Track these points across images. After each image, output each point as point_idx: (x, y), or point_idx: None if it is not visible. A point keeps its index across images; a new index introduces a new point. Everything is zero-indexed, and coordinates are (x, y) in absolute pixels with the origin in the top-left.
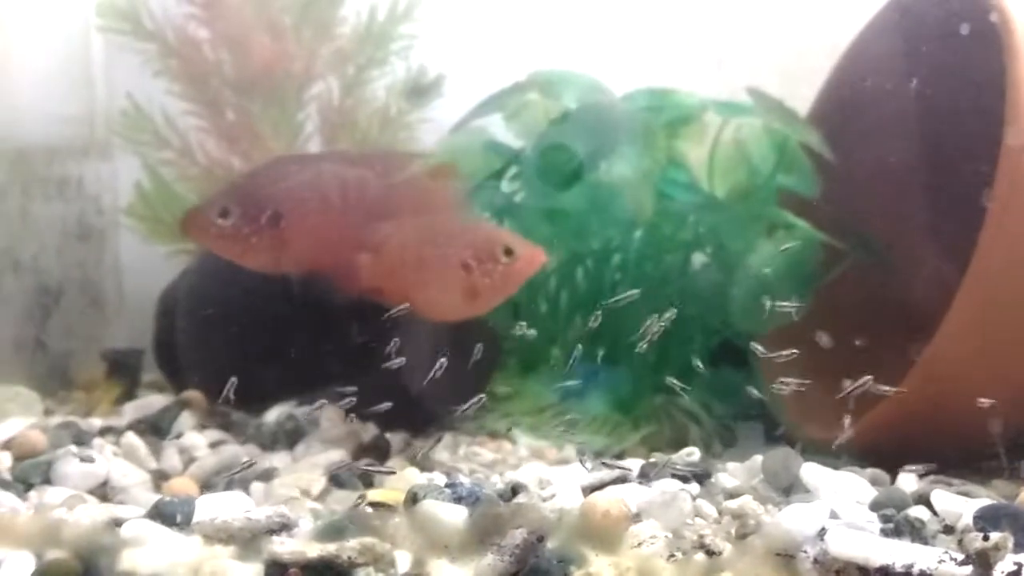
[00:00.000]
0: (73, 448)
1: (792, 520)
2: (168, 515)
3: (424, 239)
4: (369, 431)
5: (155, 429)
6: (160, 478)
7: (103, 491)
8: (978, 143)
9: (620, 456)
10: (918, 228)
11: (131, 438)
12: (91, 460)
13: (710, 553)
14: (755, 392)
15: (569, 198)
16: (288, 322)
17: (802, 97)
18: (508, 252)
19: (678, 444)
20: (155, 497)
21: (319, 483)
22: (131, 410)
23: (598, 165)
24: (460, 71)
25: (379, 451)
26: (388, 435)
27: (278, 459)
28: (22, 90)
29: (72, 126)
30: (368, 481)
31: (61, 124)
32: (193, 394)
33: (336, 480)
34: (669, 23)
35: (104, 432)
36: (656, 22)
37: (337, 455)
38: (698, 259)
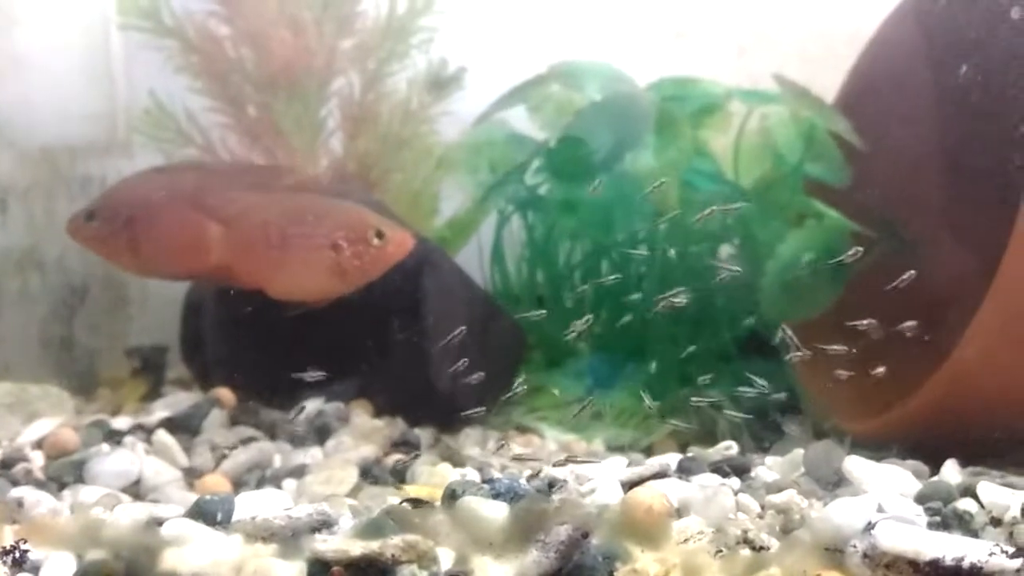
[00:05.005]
0: (105, 447)
1: (841, 514)
2: (209, 514)
3: (289, 217)
4: (398, 427)
5: (185, 427)
6: (192, 475)
7: (136, 490)
8: (1011, 133)
9: (648, 450)
10: (948, 219)
11: (163, 436)
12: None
13: (756, 548)
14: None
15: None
16: (316, 318)
17: (824, 84)
18: (379, 235)
19: (706, 438)
20: (188, 495)
21: (351, 479)
22: (160, 408)
23: (623, 156)
24: (481, 64)
25: (409, 446)
26: (417, 430)
27: (309, 455)
28: (43, 89)
29: (93, 124)
30: (401, 477)
31: (82, 122)
32: (223, 391)
33: (369, 476)
34: (691, 11)
35: (135, 430)
36: (677, 11)
37: (369, 451)
38: (725, 250)
